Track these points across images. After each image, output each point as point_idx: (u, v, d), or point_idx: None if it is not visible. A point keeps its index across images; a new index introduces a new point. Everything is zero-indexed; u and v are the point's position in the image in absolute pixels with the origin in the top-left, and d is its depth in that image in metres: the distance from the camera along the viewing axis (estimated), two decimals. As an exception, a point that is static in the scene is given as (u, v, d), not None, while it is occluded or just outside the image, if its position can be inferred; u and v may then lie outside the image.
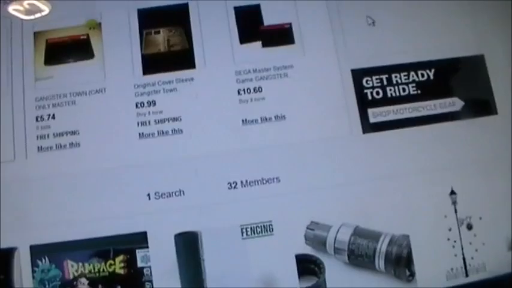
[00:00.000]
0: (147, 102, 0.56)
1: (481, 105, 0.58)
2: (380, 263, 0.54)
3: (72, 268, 0.53)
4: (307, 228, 0.54)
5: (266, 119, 0.56)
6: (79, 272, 0.53)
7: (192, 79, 0.57)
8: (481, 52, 0.59)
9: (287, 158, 0.56)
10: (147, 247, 0.53)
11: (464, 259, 0.55)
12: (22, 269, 0.53)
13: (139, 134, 0.56)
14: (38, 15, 0.58)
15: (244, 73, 0.57)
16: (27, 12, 0.58)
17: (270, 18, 0.59)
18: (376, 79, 0.58)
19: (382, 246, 0.54)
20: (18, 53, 0.57)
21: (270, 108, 0.57)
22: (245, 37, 0.58)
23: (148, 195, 0.55)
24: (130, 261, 0.54)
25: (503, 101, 0.58)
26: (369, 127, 0.57)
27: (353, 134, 0.57)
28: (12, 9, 0.58)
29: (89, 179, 0.55)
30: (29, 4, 0.59)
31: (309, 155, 0.56)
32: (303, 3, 0.59)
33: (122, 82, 0.57)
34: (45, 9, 0.59)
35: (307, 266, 0.54)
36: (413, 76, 0.58)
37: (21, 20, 0.58)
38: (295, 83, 0.57)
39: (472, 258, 0.55)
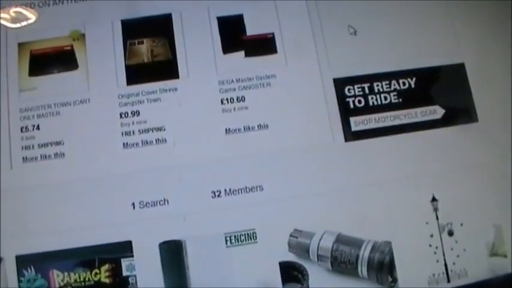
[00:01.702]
0: (131, 112, 0.57)
1: (461, 113, 0.59)
2: (363, 269, 0.54)
3: (57, 277, 0.54)
4: (291, 235, 0.55)
5: (249, 128, 0.57)
6: (65, 281, 0.54)
7: (175, 89, 0.57)
8: (462, 60, 0.60)
9: (270, 166, 0.56)
10: (132, 256, 0.54)
11: (446, 265, 0.56)
12: (8, 279, 0.53)
13: (124, 143, 0.56)
14: (24, 23, 0.59)
15: (227, 83, 0.58)
16: (14, 20, 0.59)
17: (252, 28, 0.59)
18: (358, 88, 0.59)
19: (365, 252, 0.54)
20: (3, 64, 0.57)
21: (253, 117, 0.57)
22: (228, 47, 0.58)
23: (133, 204, 0.55)
24: (116, 270, 0.54)
25: (484, 108, 0.59)
26: (351, 135, 0.57)
27: (335, 142, 0.57)
28: (-2, 17, 0.58)
29: (73, 189, 0.55)
30: (15, 12, 0.59)
31: (291, 164, 0.56)
32: (285, 13, 0.59)
33: (106, 92, 0.57)
34: (32, 18, 0.59)
35: (291, 273, 0.55)
36: (394, 85, 0.59)
37: (6, 31, 0.58)
38: (278, 92, 0.58)
39: (454, 264, 0.56)
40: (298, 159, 0.56)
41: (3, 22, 0.58)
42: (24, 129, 0.56)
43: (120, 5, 0.59)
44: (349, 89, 0.58)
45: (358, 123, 0.58)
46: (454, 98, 0.59)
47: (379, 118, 0.58)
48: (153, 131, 0.56)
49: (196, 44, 0.58)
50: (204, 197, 0.55)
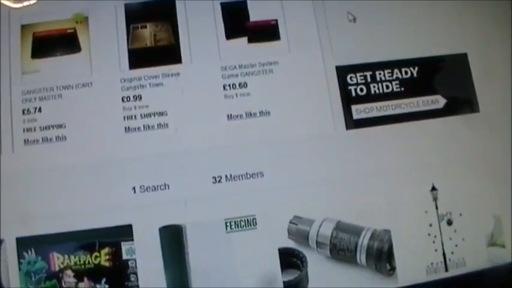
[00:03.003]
0: (133, 97, 0.57)
1: (463, 103, 0.59)
2: (361, 257, 0.55)
3: (58, 260, 0.54)
4: (290, 222, 0.55)
5: (251, 114, 0.57)
6: (65, 264, 0.54)
7: (178, 74, 0.57)
8: (464, 50, 0.60)
9: (271, 153, 0.56)
10: (132, 240, 0.54)
11: (444, 254, 0.56)
12: (8, 261, 0.53)
13: (125, 128, 0.56)
14: (26, 3, 0.58)
15: (229, 69, 0.58)
16: (16, 0, 0.58)
17: (256, 14, 0.59)
18: (360, 76, 0.58)
19: (364, 240, 0.55)
20: (5, 46, 0.57)
21: (255, 103, 0.57)
22: (231, 33, 0.58)
23: (134, 188, 0.55)
24: (116, 254, 0.54)
25: (486, 99, 0.59)
26: (352, 123, 0.57)
27: (336, 130, 0.57)
28: (0, -3, 0.58)
29: (75, 172, 0.55)
30: (17, -8, 0.59)
31: (292, 151, 0.56)
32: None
33: (109, 76, 0.57)
34: (34, -2, 0.59)
35: (290, 260, 0.55)
36: (396, 73, 0.59)
37: (8, 12, 0.58)
38: (280, 79, 0.58)
39: (452, 253, 0.56)
40: (299, 146, 0.56)
41: (4, 2, 0.58)
42: (26, 112, 0.56)
43: (124, -12, 0.59)
44: (351, 77, 0.58)
45: (359, 111, 0.58)
46: (456, 88, 0.59)
47: (380, 107, 0.58)
48: (154, 116, 0.56)
49: (199, 29, 0.58)
50: (204, 183, 0.55)
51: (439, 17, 0.61)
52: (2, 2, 0.58)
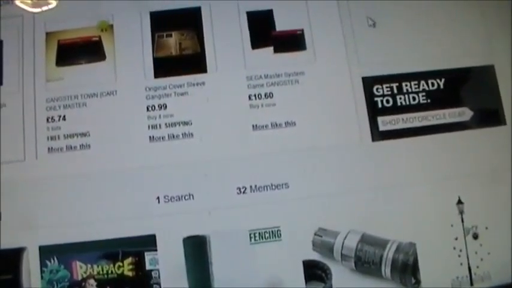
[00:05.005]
0: (158, 106, 0.56)
1: (490, 115, 0.59)
2: (386, 270, 0.54)
3: (80, 269, 0.54)
4: (315, 234, 0.55)
5: (276, 124, 0.56)
6: (87, 273, 0.54)
7: (203, 83, 0.57)
8: (492, 62, 0.59)
9: (296, 164, 0.56)
10: (156, 250, 0.54)
11: (469, 268, 0.55)
12: (31, 269, 0.53)
13: (150, 137, 0.56)
14: (45, 8, 0.58)
15: (255, 78, 0.57)
16: (34, 5, 0.58)
17: (282, 24, 0.59)
18: (387, 87, 0.58)
19: (389, 253, 0.54)
20: (30, 53, 0.57)
21: (280, 114, 0.57)
22: (257, 42, 0.58)
23: (158, 198, 0.55)
24: (139, 264, 0.54)
25: (513, 111, 0.59)
26: (378, 135, 0.57)
27: (362, 141, 0.57)
28: (19, 1, 0.58)
29: (98, 181, 0.55)
30: (36, -4, 0.58)
31: (318, 162, 0.56)
32: (315, 9, 0.59)
33: (133, 85, 0.57)
34: (53, 3, 0.58)
35: (314, 272, 0.55)
36: (423, 85, 0.58)
37: (33, 19, 0.58)
38: (306, 90, 0.57)
39: (478, 267, 0.56)
40: (324, 157, 0.56)
41: (22, 6, 0.58)
42: (50, 120, 0.56)
43: (150, -4, 0.59)
44: (377, 88, 0.58)
45: (385, 123, 0.57)
46: (483, 100, 0.59)
47: (407, 118, 0.58)
48: (179, 125, 0.56)
49: (225, 38, 0.58)
50: (229, 193, 0.55)
51: (466, 29, 0.60)
52: (20, 6, 0.58)
